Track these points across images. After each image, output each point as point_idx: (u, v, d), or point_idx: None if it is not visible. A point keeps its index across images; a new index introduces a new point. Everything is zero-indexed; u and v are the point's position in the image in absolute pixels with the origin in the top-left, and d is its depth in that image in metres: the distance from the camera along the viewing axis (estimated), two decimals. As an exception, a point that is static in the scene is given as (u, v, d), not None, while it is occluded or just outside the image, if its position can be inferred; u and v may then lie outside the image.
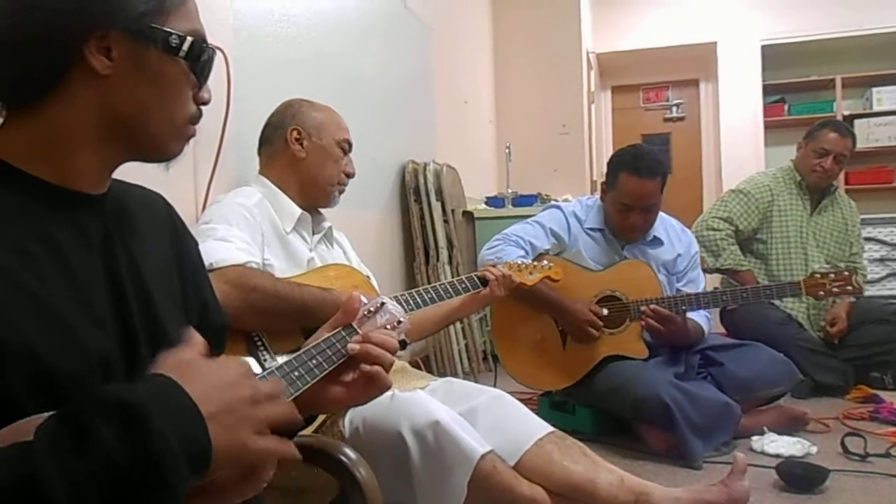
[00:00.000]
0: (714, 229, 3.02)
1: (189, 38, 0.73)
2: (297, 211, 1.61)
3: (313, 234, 1.66)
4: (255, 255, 1.41)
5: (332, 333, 0.85)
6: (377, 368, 0.84)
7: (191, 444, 0.56)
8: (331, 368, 0.81)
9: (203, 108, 0.79)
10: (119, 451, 0.52)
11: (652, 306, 2.22)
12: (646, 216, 2.31)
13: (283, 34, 2.17)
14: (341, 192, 1.71)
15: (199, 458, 0.57)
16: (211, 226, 1.42)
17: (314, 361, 0.80)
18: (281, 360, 1.36)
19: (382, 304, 0.91)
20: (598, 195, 2.50)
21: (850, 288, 2.28)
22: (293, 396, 0.75)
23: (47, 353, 0.62)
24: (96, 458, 0.52)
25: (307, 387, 0.77)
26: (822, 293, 2.29)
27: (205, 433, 0.57)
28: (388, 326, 0.89)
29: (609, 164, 2.39)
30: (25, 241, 0.65)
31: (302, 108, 1.68)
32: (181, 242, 0.85)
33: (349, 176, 1.71)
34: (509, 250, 2.26)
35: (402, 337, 0.93)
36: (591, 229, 2.40)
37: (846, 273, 2.28)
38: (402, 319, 0.92)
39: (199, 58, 0.75)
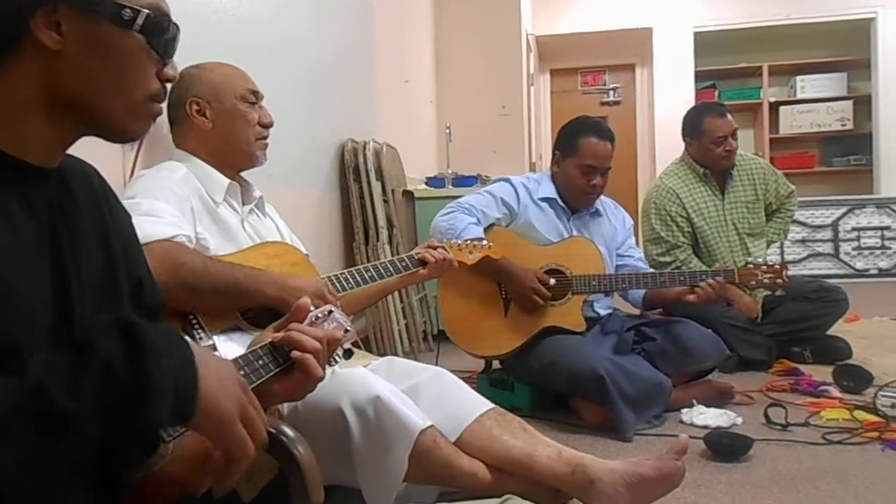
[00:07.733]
0: (665, 263, 3.00)
1: (145, 12, 0.70)
2: (226, 181, 1.54)
3: (243, 204, 1.60)
4: (183, 228, 1.35)
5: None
6: (305, 355, 0.84)
7: (181, 377, 0.61)
8: (276, 370, 0.83)
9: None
10: (118, 363, 0.57)
11: (710, 281, 2.28)
12: (604, 178, 2.46)
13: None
14: (265, 145, 1.61)
15: (187, 395, 0.62)
16: (135, 201, 1.34)
17: (260, 362, 0.82)
18: (217, 339, 1.33)
19: (330, 312, 0.93)
20: (541, 171, 2.60)
21: (780, 281, 2.37)
22: None
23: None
24: (96, 370, 0.56)
25: (253, 385, 0.79)
26: (753, 283, 2.40)
27: (194, 373, 0.63)
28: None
29: (564, 133, 2.52)
30: None
31: (194, 76, 1.57)
32: (114, 217, 0.83)
33: (266, 126, 1.60)
34: (462, 218, 2.34)
35: (348, 346, 0.95)
36: (541, 199, 2.48)
37: (777, 266, 2.38)
38: (348, 328, 0.94)
39: (159, 32, 0.72)
